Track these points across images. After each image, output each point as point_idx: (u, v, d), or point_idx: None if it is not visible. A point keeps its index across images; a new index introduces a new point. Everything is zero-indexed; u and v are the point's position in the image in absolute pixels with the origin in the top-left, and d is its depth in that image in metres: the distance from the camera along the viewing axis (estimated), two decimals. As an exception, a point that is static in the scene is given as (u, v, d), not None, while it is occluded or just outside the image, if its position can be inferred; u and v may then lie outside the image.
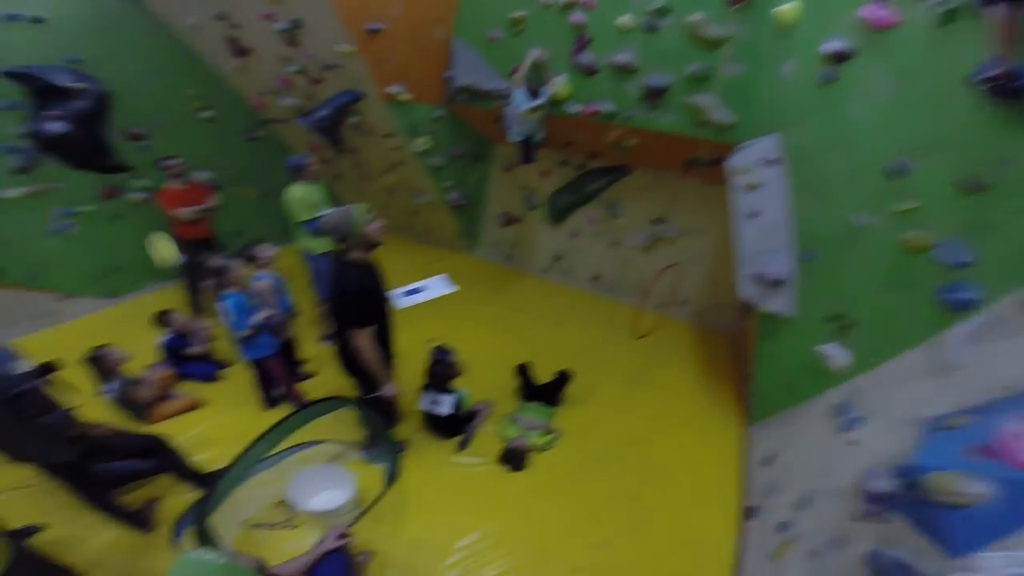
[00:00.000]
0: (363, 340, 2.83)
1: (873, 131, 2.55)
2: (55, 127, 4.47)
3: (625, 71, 4.18)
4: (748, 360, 4.17)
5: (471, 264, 6.76)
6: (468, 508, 3.26)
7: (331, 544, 2.14)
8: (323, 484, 3.21)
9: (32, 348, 2.57)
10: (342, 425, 3.70)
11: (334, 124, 5.46)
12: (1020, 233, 1.80)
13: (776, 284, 3.22)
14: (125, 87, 5.00)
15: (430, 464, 3.59)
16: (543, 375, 4.23)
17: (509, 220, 6.49)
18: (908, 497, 1.93)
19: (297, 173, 4.35)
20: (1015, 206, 1.82)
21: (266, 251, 3.87)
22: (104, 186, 5.34)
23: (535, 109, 4.40)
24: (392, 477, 3.32)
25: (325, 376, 4.42)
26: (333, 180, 7.16)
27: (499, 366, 4.51)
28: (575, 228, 5.93)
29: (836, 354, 2.73)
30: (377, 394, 3.06)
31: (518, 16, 4.59)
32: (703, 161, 4.27)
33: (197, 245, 4.94)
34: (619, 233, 5.60)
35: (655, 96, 4.11)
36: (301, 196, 4.30)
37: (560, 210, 5.84)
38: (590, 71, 4.36)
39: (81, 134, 4.62)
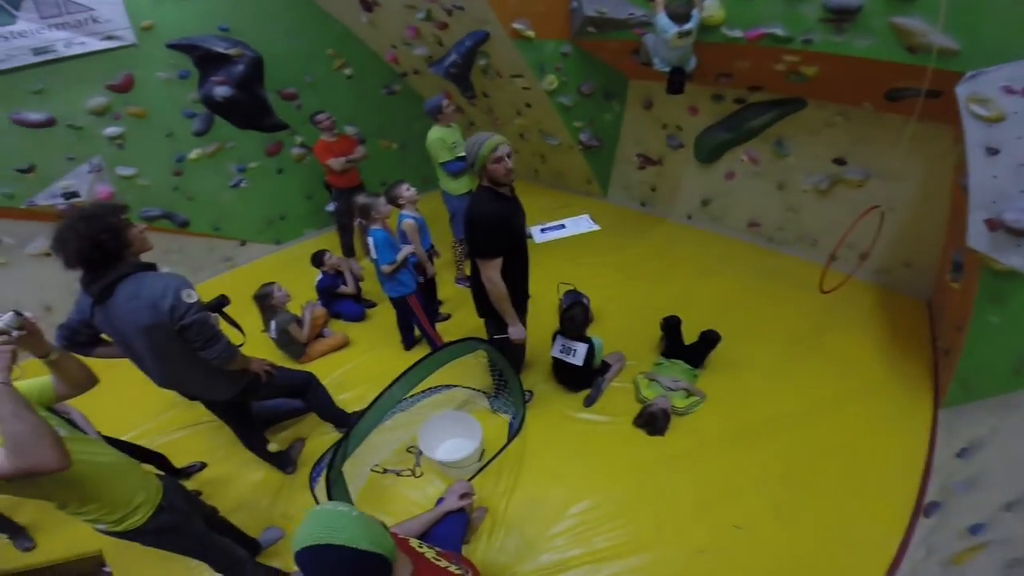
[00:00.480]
0: (492, 271, 2.71)
1: None
2: (222, 91, 4.96)
3: None
4: (951, 331, 3.33)
5: (605, 210, 6.33)
6: (590, 471, 3.06)
7: (453, 504, 2.11)
8: (451, 432, 3.24)
9: (214, 290, 2.77)
10: (473, 370, 3.74)
11: (463, 69, 5.35)
12: None
13: (1021, 234, 2.42)
14: (272, 51, 5.33)
15: (555, 418, 3.45)
16: (687, 332, 3.82)
17: (648, 162, 5.90)
18: None
19: (435, 116, 4.37)
20: None
21: (406, 190, 3.92)
22: (268, 143, 5.89)
23: (684, 34, 3.76)
24: (517, 430, 3.29)
25: (460, 318, 4.50)
26: (467, 128, 7.14)
27: (636, 317, 4.20)
28: (729, 168, 5.17)
29: None
30: (505, 335, 2.95)
31: None
32: (914, 91, 3.29)
33: (348, 192, 5.33)
34: (788, 174, 4.74)
35: (844, 17, 3.21)
36: (440, 137, 4.35)
37: (713, 149, 5.07)
38: None
39: (243, 96, 5.08)
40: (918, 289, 4.27)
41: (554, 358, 3.56)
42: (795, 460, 3.00)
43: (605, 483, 2.99)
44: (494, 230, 2.65)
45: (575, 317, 3.41)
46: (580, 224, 3.15)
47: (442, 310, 4.64)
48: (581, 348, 3.41)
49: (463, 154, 4.35)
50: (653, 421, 3.26)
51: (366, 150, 5.46)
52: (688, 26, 3.73)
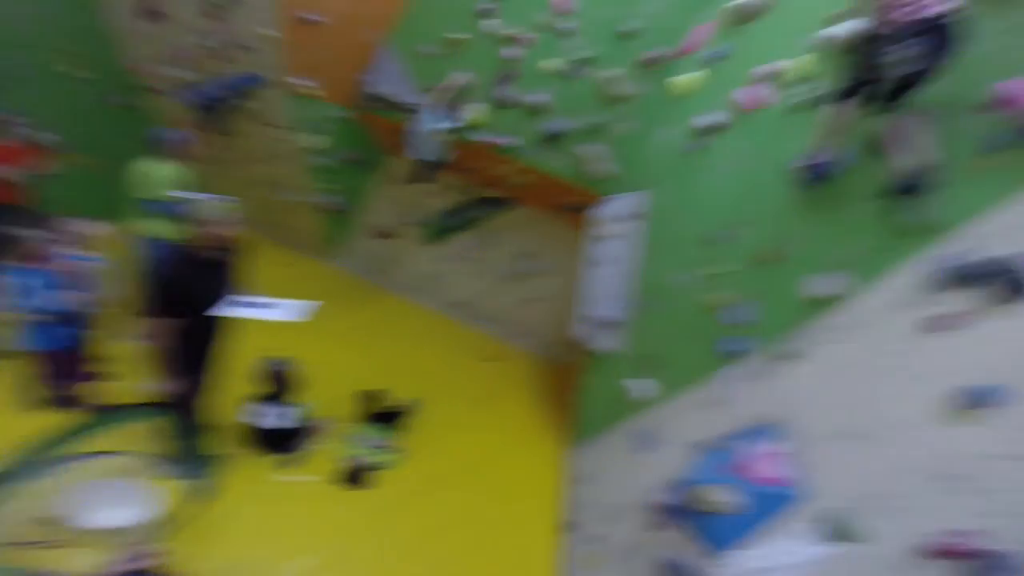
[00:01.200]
0: (160, 329, 2.67)
1: (713, 200, 3.24)
2: None
3: (536, 111, 4.74)
4: (573, 389, 4.72)
5: (331, 273, 6.50)
6: (297, 529, 3.06)
7: (125, 567, 1.94)
8: (112, 498, 2.73)
9: None
10: (142, 435, 3.24)
11: (223, 104, 5.16)
12: (785, 300, 2.46)
13: (607, 326, 3.78)
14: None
15: (256, 480, 3.29)
16: (389, 395, 4.20)
17: (383, 234, 6.47)
18: (685, 507, 2.43)
19: (171, 149, 3.89)
20: (786, 278, 2.46)
21: (85, 227, 3.29)
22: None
23: (449, 131, 4.60)
24: (203, 493, 3.03)
25: (125, 379, 3.68)
26: (199, 161, 6.52)
27: (343, 384, 4.32)
28: (449, 252, 6.18)
29: (642, 387, 3.32)
30: (184, 397, 2.90)
31: (457, 38, 4.92)
32: (574, 206, 4.90)
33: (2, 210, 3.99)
34: (488, 263, 6.00)
35: (553, 139, 4.71)
36: (165, 174, 3.81)
37: (440, 232, 6.07)
38: (507, 105, 4.83)
39: None
40: (564, 358, 5.78)
41: (253, 423, 3.45)
42: (477, 499, 3.68)
43: (314, 539, 3.03)
44: (175, 292, 2.65)
45: (277, 383, 3.43)
46: (292, 310, 3.13)
47: (104, 368, 3.68)
48: (279, 416, 3.40)
49: (185, 197, 3.83)
50: (355, 476, 3.49)
51: (53, 164, 4.41)
52: (453, 124, 4.58)
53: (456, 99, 4.77)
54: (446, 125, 4.64)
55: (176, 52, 5.39)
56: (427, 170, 4.91)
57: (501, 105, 4.84)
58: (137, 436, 3.22)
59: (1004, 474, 1.48)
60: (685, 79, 3.95)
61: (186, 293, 2.62)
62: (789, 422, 2.23)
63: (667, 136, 3.97)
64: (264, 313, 3.03)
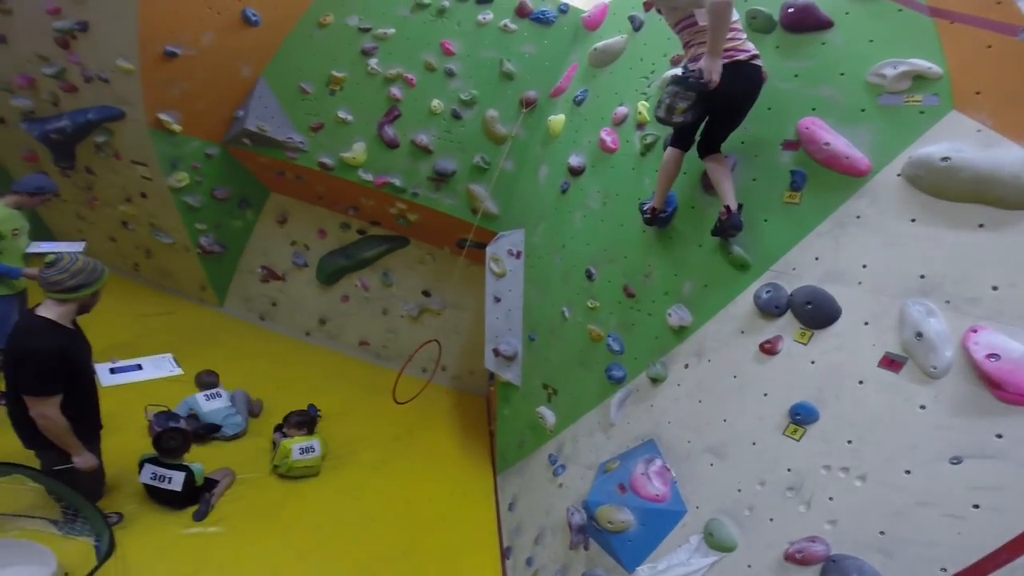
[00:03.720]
0: (48, 408, 2.47)
1: (582, 238, 3.53)
2: None
3: (423, 151, 4.87)
4: (494, 419, 4.85)
5: (217, 320, 6.07)
6: None
7: None
8: (9, 559, 2.52)
9: None
10: (25, 497, 2.97)
11: (71, 139, 4.69)
12: (650, 330, 2.78)
13: (509, 359, 3.97)
14: None
15: (163, 535, 3.10)
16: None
17: (272, 275, 6.14)
18: (592, 527, 2.62)
19: (23, 196, 3.61)
20: (648, 310, 2.78)
21: None
22: None
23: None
24: (106, 552, 2.82)
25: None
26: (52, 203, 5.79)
27: (249, 433, 4.22)
28: (345, 291, 6.04)
29: (548, 415, 3.54)
30: (69, 465, 2.65)
31: (339, 76, 4.90)
32: (471, 243, 5.06)
33: None
34: (390, 301, 5.97)
35: (442, 179, 4.86)
36: (6, 216, 3.49)
37: (333, 272, 5.91)
38: (392, 144, 4.90)
39: None
40: (479, 390, 5.98)
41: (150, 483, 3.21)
42: (412, 535, 3.66)
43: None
44: (54, 367, 2.47)
45: (170, 444, 3.23)
46: (161, 367, 3.01)
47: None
48: (177, 476, 3.19)
49: (36, 251, 3.57)
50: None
51: None
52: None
53: None
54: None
55: (15, 78, 4.89)
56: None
57: (389, 145, 4.92)
58: (33, 497, 2.90)
59: (823, 484, 1.79)
60: (557, 119, 4.28)
61: (70, 366, 2.46)
62: (666, 441, 2.52)
63: (546, 174, 4.26)
64: (131, 377, 2.86)
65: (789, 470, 1.91)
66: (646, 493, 2.44)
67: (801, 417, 1.92)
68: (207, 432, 3.96)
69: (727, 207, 2.27)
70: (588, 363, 3.26)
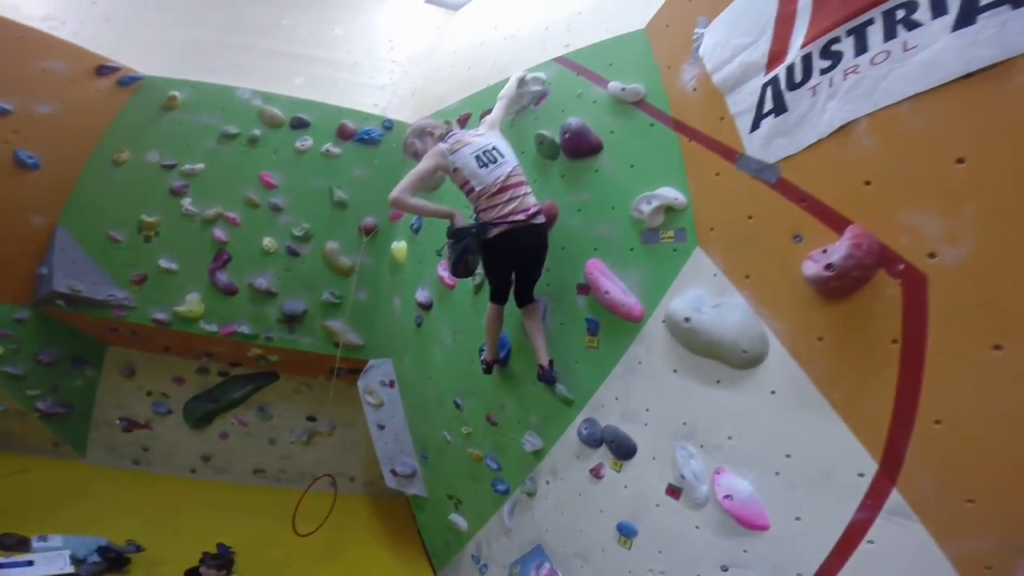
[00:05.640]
0: None
1: (443, 371, 3.76)
2: None
3: (265, 295, 4.64)
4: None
5: (81, 472, 5.39)
6: None
7: None
8: None
9: None
10: None
11: None
12: (516, 451, 3.07)
13: (409, 476, 4.16)
14: None
15: None
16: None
17: (134, 425, 5.61)
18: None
19: None
20: (510, 435, 3.13)
21: None
22: None
23: None
24: None
25: None
26: None
27: None
28: (222, 430, 5.71)
29: (459, 521, 3.74)
30: None
31: (150, 220, 4.54)
32: (343, 371, 5.01)
33: None
34: (275, 431, 5.72)
35: (294, 320, 4.68)
36: None
37: (201, 417, 5.56)
38: (229, 291, 4.62)
39: None
40: (397, 491, 5.91)
41: None
42: None
43: None
44: None
45: None
46: (53, 564, 2.92)
47: None
48: None
49: None
50: None
51: None
52: None
53: None
54: None
55: None
56: None
57: (227, 292, 4.65)
58: None
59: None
60: (400, 248, 4.33)
61: None
62: (550, 545, 2.81)
63: (399, 306, 4.34)
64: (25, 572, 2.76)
65: (629, 572, 2.29)
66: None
67: (625, 532, 2.30)
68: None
69: (540, 365, 2.62)
70: (477, 478, 3.48)
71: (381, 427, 4.27)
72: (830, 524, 1.61)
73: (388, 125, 4.74)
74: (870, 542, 1.52)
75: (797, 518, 1.71)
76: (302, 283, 4.71)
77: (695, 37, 2.13)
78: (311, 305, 4.75)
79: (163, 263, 4.64)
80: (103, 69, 4.46)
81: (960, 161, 1.37)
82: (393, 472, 4.17)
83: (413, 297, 4.03)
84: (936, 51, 1.40)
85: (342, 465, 5.19)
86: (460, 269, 2.56)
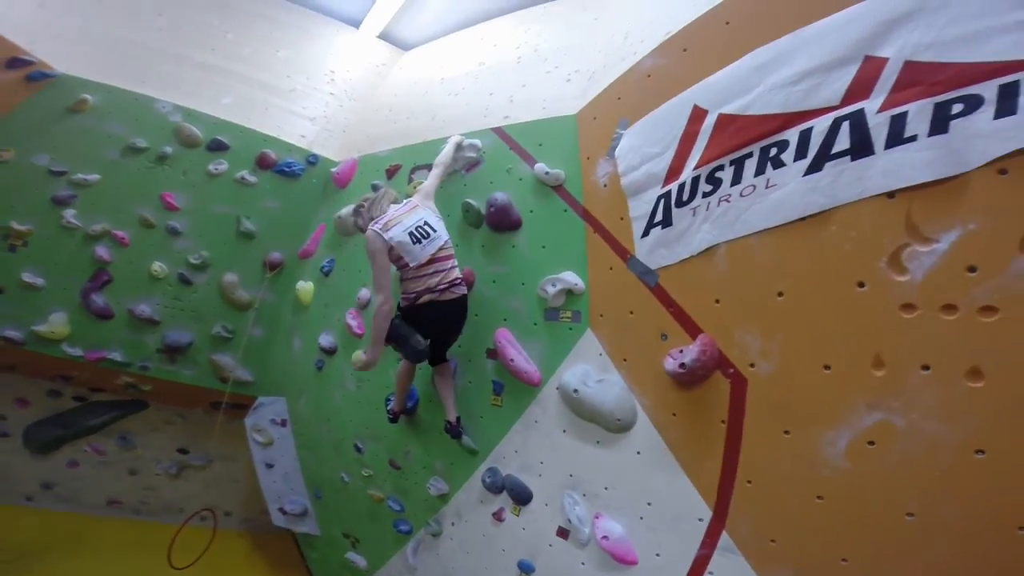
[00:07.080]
0: None
1: (344, 415, 3.82)
2: None
3: (147, 323, 4.27)
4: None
5: None
6: None
7: None
8: None
9: None
10: None
11: None
12: (420, 494, 3.26)
13: (300, 515, 4.11)
14: None
15: None
16: None
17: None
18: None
19: None
20: (415, 479, 3.35)
21: None
22: None
23: None
24: None
25: None
26: None
27: None
28: (72, 457, 5.05)
29: (358, 559, 3.77)
30: None
31: (21, 229, 4.06)
32: (229, 405, 4.75)
33: None
34: (138, 462, 5.18)
35: (176, 351, 4.35)
36: None
37: (47, 443, 4.89)
38: (103, 315, 4.21)
39: None
40: (279, 528, 5.57)
41: None
42: None
43: None
44: None
45: None
46: None
47: None
48: None
49: None
50: None
51: None
52: None
53: None
54: None
55: None
56: None
57: (100, 316, 4.23)
58: None
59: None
60: (306, 289, 4.26)
61: None
62: None
63: (300, 347, 4.26)
64: None
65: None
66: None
67: (525, 568, 2.60)
68: None
69: (448, 420, 2.89)
70: (377, 518, 3.56)
71: (269, 465, 4.18)
72: (681, 559, 1.99)
73: (312, 160, 4.61)
74: (710, 573, 1.91)
75: (657, 554, 2.10)
76: (191, 314, 4.40)
77: (614, 137, 2.31)
78: (198, 337, 4.43)
79: (27, 277, 4.14)
80: (15, 62, 4.00)
81: (780, 295, 1.69)
82: (282, 510, 4.09)
83: (316, 340, 4.00)
84: (787, 192, 1.58)
85: (217, 499, 4.83)
86: (419, 354, 2.72)
